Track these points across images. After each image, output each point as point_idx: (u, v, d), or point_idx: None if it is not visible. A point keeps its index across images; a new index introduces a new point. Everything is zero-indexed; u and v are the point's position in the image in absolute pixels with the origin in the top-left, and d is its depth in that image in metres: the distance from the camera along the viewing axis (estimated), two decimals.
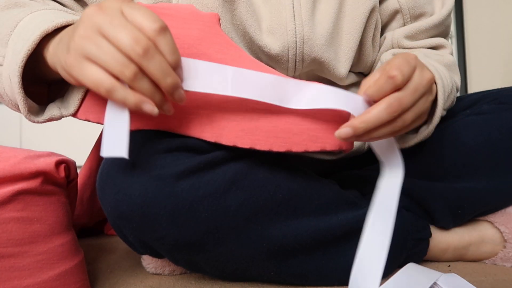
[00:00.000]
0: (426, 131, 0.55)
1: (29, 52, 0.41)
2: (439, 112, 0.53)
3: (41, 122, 0.46)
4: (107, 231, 0.89)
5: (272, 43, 0.57)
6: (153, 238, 0.46)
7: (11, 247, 0.42)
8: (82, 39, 0.36)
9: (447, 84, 0.54)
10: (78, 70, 0.37)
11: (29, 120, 0.45)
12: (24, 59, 0.41)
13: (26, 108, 0.44)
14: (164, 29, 0.36)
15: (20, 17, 0.44)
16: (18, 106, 0.45)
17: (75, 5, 0.57)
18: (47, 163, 0.45)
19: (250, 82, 0.43)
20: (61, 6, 0.55)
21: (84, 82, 0.37)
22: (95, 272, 0.60)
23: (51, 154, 0.48)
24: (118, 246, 0.77)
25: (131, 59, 0.36)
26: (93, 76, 0.36)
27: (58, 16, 0.43)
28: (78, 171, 0.62)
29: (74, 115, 0.46)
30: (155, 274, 0.59)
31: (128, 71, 0.36)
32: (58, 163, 0.47)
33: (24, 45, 0.41)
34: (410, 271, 0.50)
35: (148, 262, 0.59)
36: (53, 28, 0.41)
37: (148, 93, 0.37)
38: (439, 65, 0.57)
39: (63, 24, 0.42)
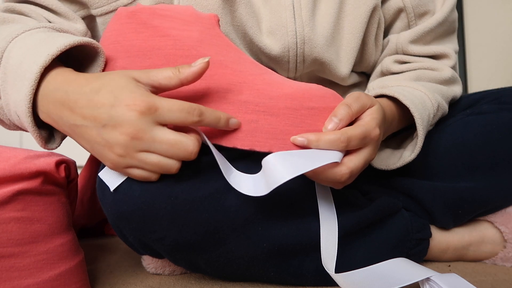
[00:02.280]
0: (409, 158, 0.58)
1: (33, 91, 0.41)
2: (420, 143, 0.56)
3: (57, 147, 0.49)
4: (107, 231, 0.89)
5: (273, 44, 0.57)
6: (153, 238, 0.46)
7: (11, 247, 0.42)
8: (123, 157, 0.40)
9: (431, 106, 0.58)
10: (122, 172, 0.42)
11: (47, 149, 0.48)
12: (31, 99, 0.41)
13: (44, 141, 0.46)
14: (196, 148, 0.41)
15: (2, 46, 0.44)
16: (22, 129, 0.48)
17: (62, 7, 0.55)
18: (47, 163, 0.45)
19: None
20: (46, 12, 0.54)
21: (130, 176, 0.43)
22: (95, 272, 0.60)
23: (51, 154, 0.48)
24: (118, 246, 0.77)
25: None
26: (139, 175, 0.42)
27: (48, 44, 0.43)
28: (78, 171, 0.62)
29: None
30: (155, 274, 0.59)
31: (173, 170, 0.42)
32: (58, 163, 0.47)
33: (27, 86, 0.41)
34: (396, 264, 0.50)
35: (149, 262, 0.59)
36: (50, 61, 0.41)
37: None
38: (425, 87, 0.59)
39: (57, 54, 0.42)
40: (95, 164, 0.76)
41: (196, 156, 0.41)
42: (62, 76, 0.42)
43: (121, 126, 0.38)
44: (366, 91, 0.66)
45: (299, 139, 0.44)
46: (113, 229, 0.49)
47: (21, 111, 0.42)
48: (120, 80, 0.40)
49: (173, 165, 0.41)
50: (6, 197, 0.42)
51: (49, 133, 0.48)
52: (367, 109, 0.47)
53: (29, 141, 1.77)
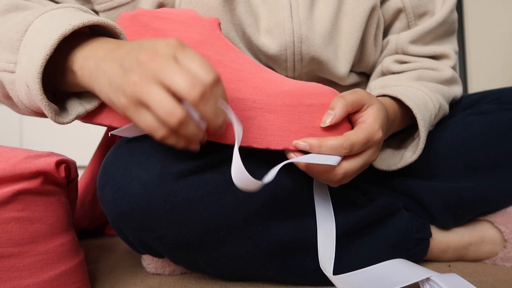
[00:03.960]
0: (410, 159, 0.58)
1: (47, 57, 0.39)
2: (422, 144, 0.56)
3: (68, 123, 0.46)
4: (107, 231, 0.89)
5: (270, 43, 0.57)
6: (153, 237, 0.46)
7: (11, 247, 0.42)
8: (136, 85, 0.36)
9: (432, 107, 0.58)
10: (133, 114, 0.38)
11: (57, 123, 0.44)
12: (43, 64, 0.40)
13: (53, 113, 0.43)
14: (218, 81, 0.37)
15: (29, 20, 0.43)
16: (35, 112, 0.45)
17: (67, 1, 0.55)
18: (47, 163, 0.45)
19: None
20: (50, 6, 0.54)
21: (139, 125, 0.38)
22: (95, 272, 0.60)
23: (51, 154, 0.48)
24: (118, 246, 0.77)
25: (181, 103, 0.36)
26: (148, 123, 0.37)
27: (72, 17, 0.42)
28: (78, 171, 0.62)
29: (95, 119, 0.47)
30: (155, 274, 0.59)
31: (174, 119, 0.36)
32: (59, 163, 0.47)
33: (42, 51, 0.40)
34: (392, 265, 0.50)
35: (149, 262, 0.59)
36: (71, 31, 0.40)
37: (193, 135, 0.38)
38: (427, 87, 0.59)
39: (80, 27, 0.41)
40: (97, 166, 0.76)
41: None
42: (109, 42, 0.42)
43: (145, 50, 0.37)
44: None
45: (301, 143, 0.44)
46: (113, 228, 0.49)
47: (32, 77, 0.40)
48: None
49: (176, 109, 0.36)
50: (6, 197, 0.42)
51: (58, 110, 0.46)
52: (367, 106, 0.47)
53: (29, 141, 1.77)
